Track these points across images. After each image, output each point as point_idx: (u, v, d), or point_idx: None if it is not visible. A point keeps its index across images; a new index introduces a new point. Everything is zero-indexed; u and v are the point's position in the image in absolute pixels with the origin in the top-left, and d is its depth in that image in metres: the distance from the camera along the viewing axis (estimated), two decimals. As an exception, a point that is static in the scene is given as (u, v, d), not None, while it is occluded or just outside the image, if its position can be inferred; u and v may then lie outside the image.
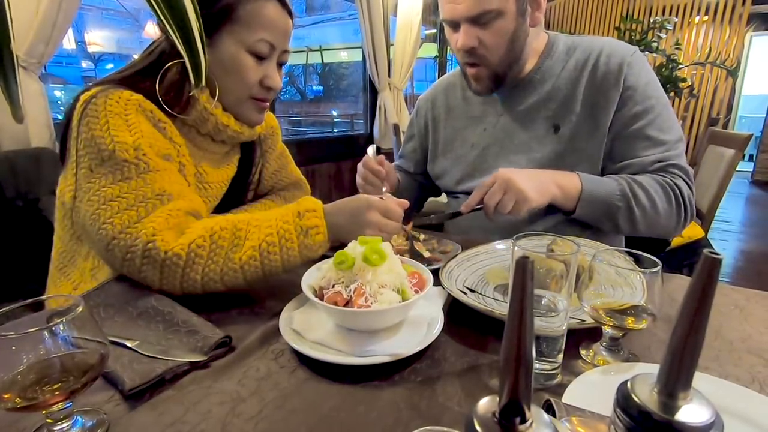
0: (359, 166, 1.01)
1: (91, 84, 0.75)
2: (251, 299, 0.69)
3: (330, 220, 0.69)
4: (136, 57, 0.82)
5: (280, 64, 0.83)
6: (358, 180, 1.03)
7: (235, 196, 0.94)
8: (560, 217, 0.95)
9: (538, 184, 0.84)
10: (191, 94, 0.76)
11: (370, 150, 1.03)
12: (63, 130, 0.73)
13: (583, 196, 0.87)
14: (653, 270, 0.49)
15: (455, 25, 0.94)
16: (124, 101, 0.69)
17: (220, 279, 0.65)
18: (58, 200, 0.76)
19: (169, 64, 0.75)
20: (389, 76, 3.23)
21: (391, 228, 0.72)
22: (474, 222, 0.94)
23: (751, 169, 6.18)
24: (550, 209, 0.90)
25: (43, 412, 0.39)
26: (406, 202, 0.76)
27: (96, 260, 0.74)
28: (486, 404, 0.23)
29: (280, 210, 0.70)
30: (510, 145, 1.02)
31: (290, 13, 0.81)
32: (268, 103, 0.85)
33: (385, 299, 0.53)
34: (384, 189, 0.97)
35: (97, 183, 0.66)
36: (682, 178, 0.90)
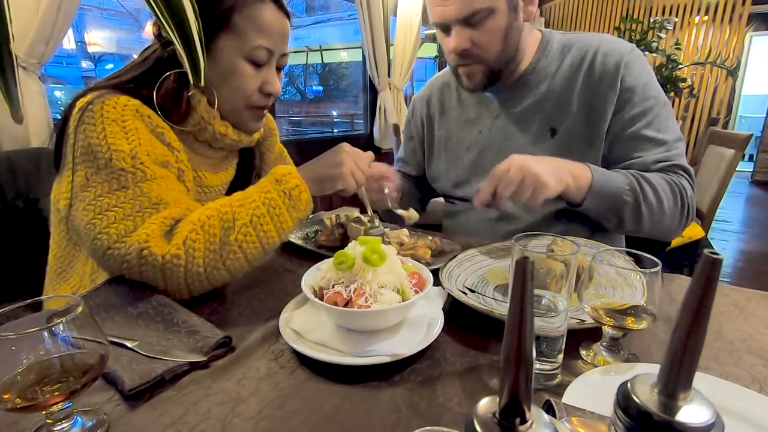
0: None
1: (86, 89, 0.73)
2: (251, 299, 0.69)
3: (305, 174, 0.71)
4: (133, 58, 0.80)
5: (278, 68, 0.81)
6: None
7: None
8: (563, 228, 0.93)
9: (554, 169, 0.78)
10: (191, 94, 0.75)
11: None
12: (58, 136, 0.72)
13: (593, 188, 0.83)
14: (653, 270, 0.49)
15: (446, 28, 0.92)
16: (121, 107, 0.68)
17: (223, 265, 0.64)
18: (53, 206, 0.75)
19: (168, 73, 0.74)
20: (389, 76, 3.22)
21: (360, 176, 0.75)
22: (480, 226, 0.93)
23: (751, 169, 6.18)
24: (553, 205, 0.87)
25: (43, 412, 0.39)
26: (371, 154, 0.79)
27: (95, 265, 0.74)
28: (486, 404, 0.23)
29: (258, 184, 0.70)
30: (506, 148, 1.00)
31: (287, 15, 0.78)
32: (267, 110, 0.84)
33: (385, 299, 0.53)
34: (386, 191, 0.91)
35: (93, 192, 0.65)
36: (686, 179, 0.89)
